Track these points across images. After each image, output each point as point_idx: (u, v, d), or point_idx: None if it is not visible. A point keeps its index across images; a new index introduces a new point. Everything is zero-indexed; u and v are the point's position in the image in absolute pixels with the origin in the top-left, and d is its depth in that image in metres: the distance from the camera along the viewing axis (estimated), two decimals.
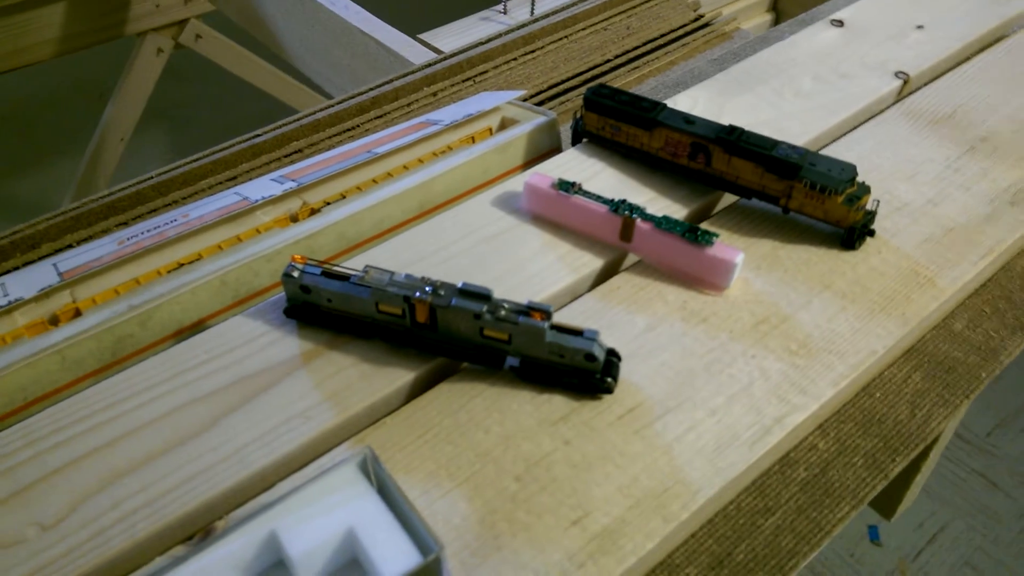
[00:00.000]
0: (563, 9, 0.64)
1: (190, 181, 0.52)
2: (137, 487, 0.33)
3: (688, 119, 0.44)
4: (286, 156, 0.53)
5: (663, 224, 0.40)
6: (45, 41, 1.05)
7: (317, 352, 0.38)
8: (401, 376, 0.37)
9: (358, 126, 0.55)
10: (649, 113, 0.44)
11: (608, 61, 0.59)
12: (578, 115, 0.47)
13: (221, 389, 0.37)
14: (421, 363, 0.38)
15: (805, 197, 0.41)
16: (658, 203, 0.44)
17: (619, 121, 0.45)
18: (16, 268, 0.46)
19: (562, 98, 0.56)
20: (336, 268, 0.38)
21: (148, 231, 0.45)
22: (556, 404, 0.36)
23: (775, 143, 0.42)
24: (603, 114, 0.46)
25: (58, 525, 0.32)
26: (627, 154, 0.46)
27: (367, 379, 0.37)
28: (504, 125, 0.51)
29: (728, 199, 0.46)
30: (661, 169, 0.46)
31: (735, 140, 0.42)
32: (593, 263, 0.42)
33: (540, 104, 0.54)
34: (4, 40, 1.03)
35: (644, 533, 0.32)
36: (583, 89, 0.57)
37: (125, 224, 0.49)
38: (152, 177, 0.52)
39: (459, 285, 0.36)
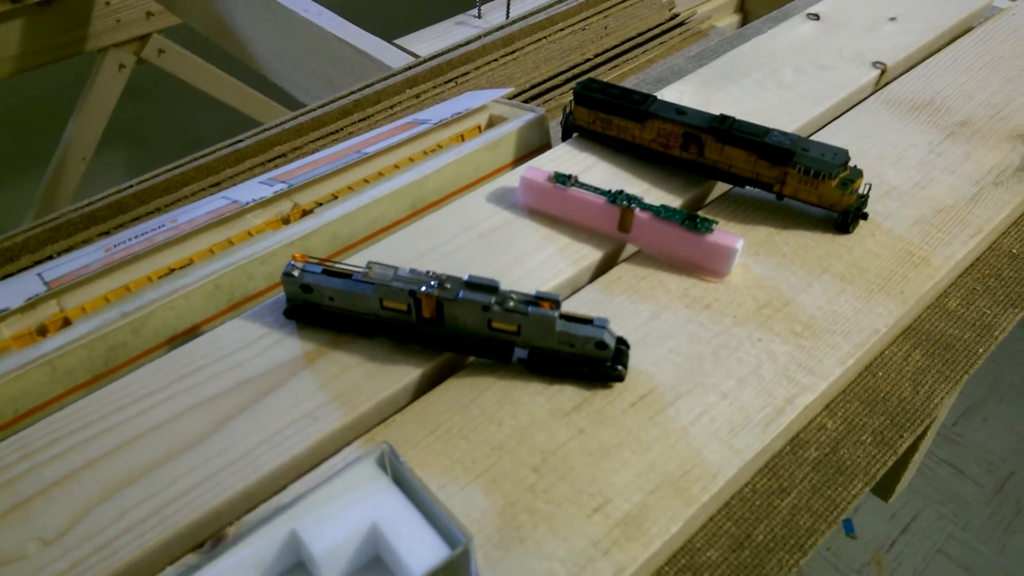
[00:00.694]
0: (540, 11, 0.64)
1: (172, 188, 0.51)
2: (142, 496, 0.32)
3: (679, 110, 0.44)
4: (270, 161, 0.52)
5: (662, 213, 0.40)
6: (2, 59, 1.02)
7: (320, 352, 0.37)
8: (408, 373, 0.37)
9: (341, 129, 0.55)
10: (640, 105, 0.44)
11: (588, 60, 0.60)
12: (568, 110, 0.47)
13: (223, 393, 0.36)
14: (427, 359, 0.37)
15: (799, 183, 0.42)
16: (652, 194, 0.45)
17: (610, 114, 0.45)
18: None
19: (546, 97, 0.57)
20: (337, 265, 0.37)
21: (136, 237, 0.44)
22: (568, 394, 0.36)
23: (767, 130, 0.42)
24: (594, 108, 0.46)
25: (60, 539, 0.31)
26: (619, 147, 0.47)
27: (373, 377, 0.36)
28: (492, 123, 0.51)
29: (721, 188, 0.47)
30: (653, 161, 0.46)
31: (727, 129, 0.42)
32: (592, 255, 0.42)
33: (527, 100, 0.54)
34: None
35: (667, 517, 0.32)
36: (565, 88, 0.58)
37: (107, 233, 0.47)
38: (132, 186, 0.51)
39: (465, 278, 0.36)
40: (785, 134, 0.42)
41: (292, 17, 0.76)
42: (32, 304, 0.40)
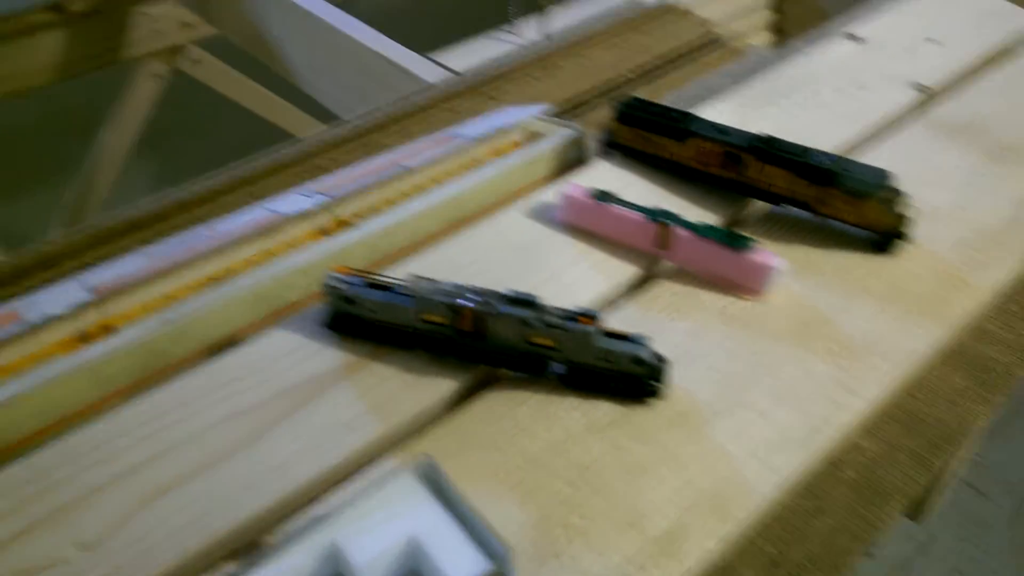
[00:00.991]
0: (576, 27, 0.65)
1: (212, 198, 0.51)
2: (182, 503, 0.33)
3: (720, 128, 0.44)
4: (309, 172, 0.53)
5: (701, 231, 0.40)
6: (41, 68, 1.04)
7: (359, 363, 0.38)
8: (444, 385, 0.37)
9: (379, 142, 0.55)
10: (680, 123, 0.45)
11: (624, 77, 0.60)
12: (607, 127, 0.48)
13: (262, 403, 0.36)
14: (464, 372, 0.37)
15: (840, 202, 0.42)
16: (690, 212, 0.45)
17: (650, 132, 0.45)
18: (38, 286, 0.45)
19: (582, 112, 0.57)
20: (379, 278, 0.38)
21: (178, 245, 0.44)
22: (604, 409, 0.36)
23: (808, 150, 0.42)
24: (633, 125, 0.46)
25: (101, 544, 0.32)
26: (658, 164, 0.47)
27: (410, 389, 0.37)
28: (530, 138, 0.51)
29: (760, 206, 0.46)
30: (692, 179, 0.46)
31: (768, 148, 0.42)
32: (630, 271, 0.42)
33: (561, 115, 0.54)
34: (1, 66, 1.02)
35: (704, 534, 0.31)
36: (602, 104, 0.58)
37: (147, 241, 0.48)
38: (172, 195, 0.52)
39: (505, 292, 0.36)
40: (826, 154, 0.42)
41: (326, 28, 0.77)
42: (75, 310, 0.40)
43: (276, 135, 1.26)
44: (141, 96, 1.16)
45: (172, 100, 1.19)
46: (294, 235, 0.45)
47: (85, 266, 0.47)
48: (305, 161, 0.54)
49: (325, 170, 0.53)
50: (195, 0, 1.01)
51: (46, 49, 1.03)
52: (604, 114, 0.56)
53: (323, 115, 0.85)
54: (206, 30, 1.10)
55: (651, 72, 0.61)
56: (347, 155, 0.54)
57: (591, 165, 0.48)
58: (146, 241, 0.48)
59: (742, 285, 0.40)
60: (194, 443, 0.35)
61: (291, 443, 0.35)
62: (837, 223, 0.44)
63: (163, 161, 1.43)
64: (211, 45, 1.14)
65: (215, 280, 0.42)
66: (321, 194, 0.47)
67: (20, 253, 0.49)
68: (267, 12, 0.87)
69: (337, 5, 0.78)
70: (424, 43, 0.78)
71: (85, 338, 0.40)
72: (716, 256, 0.40)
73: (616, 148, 0.48)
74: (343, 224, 0.45)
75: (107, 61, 1.10)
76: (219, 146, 1.47)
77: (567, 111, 0.57)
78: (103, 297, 0.41)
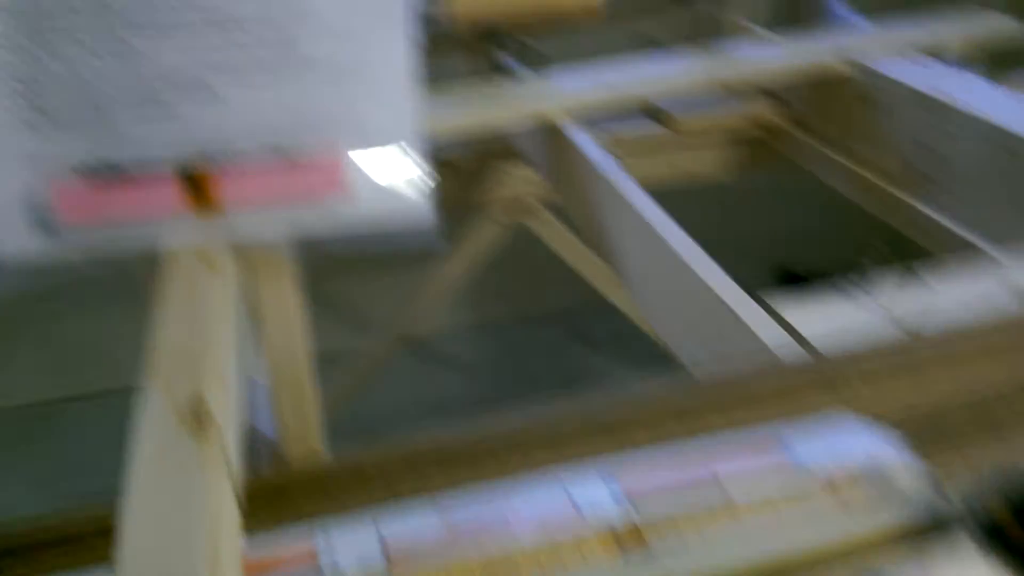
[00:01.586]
0: (952, 315, 0.56)
1: (514, 446, 0.50)
2: None
3: None
4: (618, 443, 0.50)
5: None
6: None
7: None
8: None
9: (703, 420, 0.51)
10: None
11: (1006, 400, 0.50)
12: (988, 507, 0.39)
13: None
14: None
15: None
16: None
17: None
18: (343, 509, 0.47)
19: (946, 440, 0.48)
20: None
21: (471, 512, 0.44)
22: None
23: None
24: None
25: None
26: None
27: None
28: (876, 479, 0.43)
29: None
30: None
31: None
32: None
33: (920, 447, 0.46)
34: None
35: None
36: (973, 434, 0.48)
37: (446, 489, 0.48)
38: (483, 431, 0.52)
39: None
40: None
41: (659, 245, 0.75)
42: (367, 570, 0.41)
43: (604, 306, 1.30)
44: (482, 239, 1.25)
45: (510, 250, 1.28)
46: (586, 537, 0.42)
47: (391, 495, 0.48)
48: (616, 424, 0.51)
49: (635, 443, 0.50)
50: (547, 168, 1.07)
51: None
52: (976, 451, 0.47)
53: (646, 320, 0.84)
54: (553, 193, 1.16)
55: None
56: (658, 426, 0.51)
57: (954, 549, 0.39)
58: (446, 489, 0.48)
59: None
60: None
61: None
62: None
63: (485, 300, 1.54)
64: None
65: (495, 567, 0.41)
66: (617, 482, 0.44)
67: (336, 460, 0.52)
68: (604, 201, 0.89)
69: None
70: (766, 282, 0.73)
71: None
72: None
73: (995, 537, 0.38)
74: (639, 538, 0.42)
75: (464, 206, 1.21)
76: (539, 298, 1.55)
77: (927, 433, 0.48)
78: (391, 558, 0.41)
